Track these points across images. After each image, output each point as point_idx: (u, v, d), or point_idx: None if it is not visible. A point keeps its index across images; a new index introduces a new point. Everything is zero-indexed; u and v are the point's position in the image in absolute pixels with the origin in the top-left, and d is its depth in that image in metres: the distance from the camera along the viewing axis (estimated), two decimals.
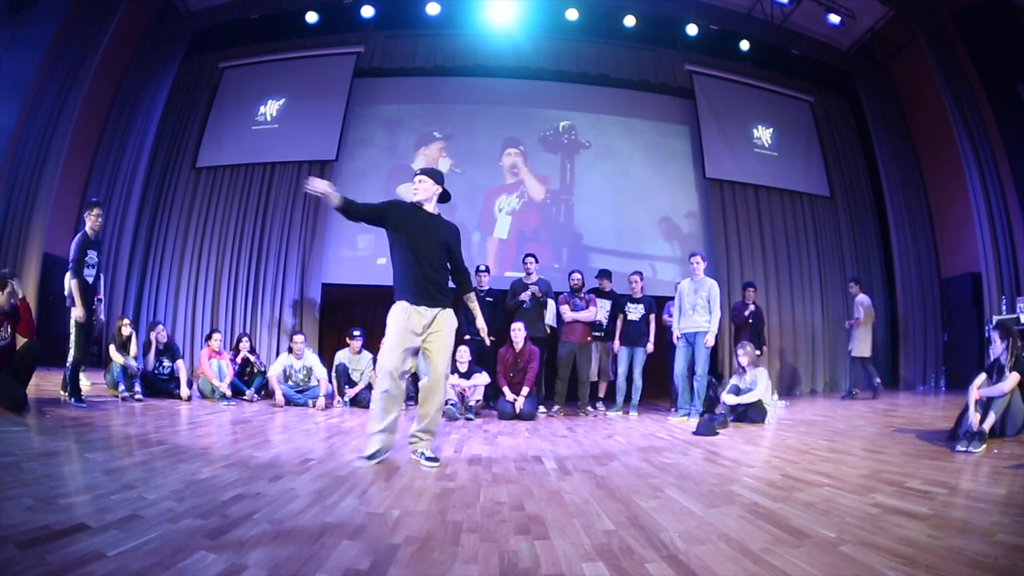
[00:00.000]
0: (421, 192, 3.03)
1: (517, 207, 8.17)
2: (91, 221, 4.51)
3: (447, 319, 2.99)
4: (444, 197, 3.11)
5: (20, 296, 4.04)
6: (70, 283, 4.35)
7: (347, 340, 5.91)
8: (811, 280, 8.65)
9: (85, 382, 4.68)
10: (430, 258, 2.96)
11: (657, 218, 8.45)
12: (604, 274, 6.26)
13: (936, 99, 7.99)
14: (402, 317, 2.90)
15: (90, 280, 4.50)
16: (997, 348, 3.67)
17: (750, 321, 6.52)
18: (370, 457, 2.78)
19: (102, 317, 5.69)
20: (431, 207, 3.06)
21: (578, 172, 8.42)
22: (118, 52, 7.83)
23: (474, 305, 3.22)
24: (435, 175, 3.08)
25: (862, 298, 7.06)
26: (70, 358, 4.35)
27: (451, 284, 3.14)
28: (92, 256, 4.54)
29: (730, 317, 6.92)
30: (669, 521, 1.90)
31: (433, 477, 2.57)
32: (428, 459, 2.85)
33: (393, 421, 2.86)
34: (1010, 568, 1.48)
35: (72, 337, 4.37)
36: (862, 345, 6.94)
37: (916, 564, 1.49)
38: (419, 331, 2.91)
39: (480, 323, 3.24)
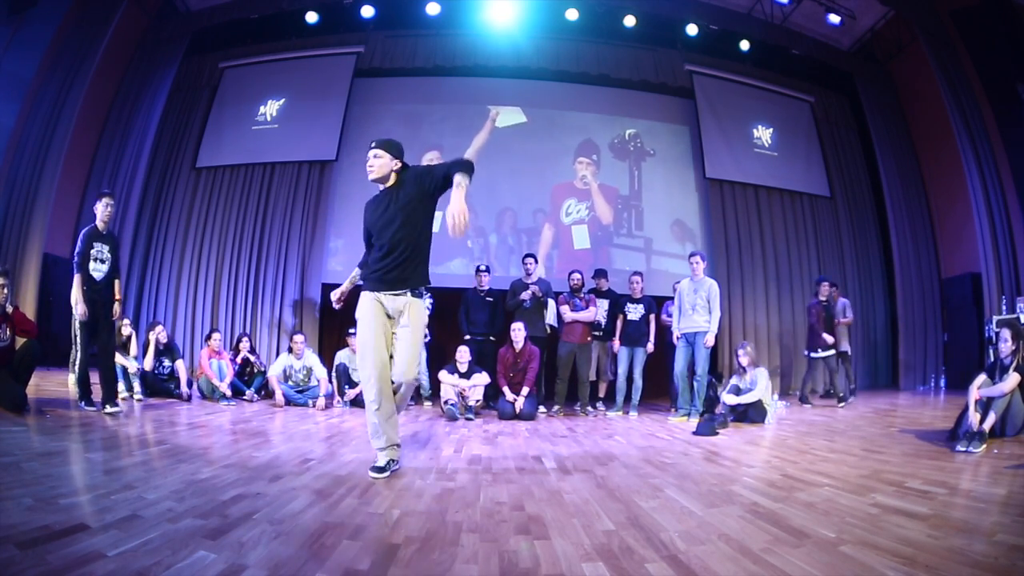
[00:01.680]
0: (377, 169, 2.59)
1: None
2: (100, 212, 4.21)
3: (416, 311, 2.60)
4: (404, 169, 2.67)
5: (12, 308, 3.93)
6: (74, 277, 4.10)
7: (346, 340, 5.92)
8: (811, 280, 8.64)
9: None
10: (393, 234, 2.56)
11: (657, 218, 8.45)
12: (600, 273, 6.24)
13: (936, 99, 7.99)
14: (370, 308, 2.59)
15: (98, 276, 4.17)
16: (1005, 349, 3.64)
17: (827, 315, 6.45)
18: (382, 469, 2.51)
19: (119, 321, 5.16)
20: (392, 183, 2.64)
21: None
22: (118, 52, 7.84)
23: (457, 185, 2.40)
24: (392, 147, 2.62)
25: (845, 299, 7.19)
26: (76, 364, 4.16)
27: (419, 272, 2.66)
28: (101, 250, 4.20)
29: (807, 315, 6.76)
30: (669, 521, 1.90)
31: (433, 477, 2.56)
32: (373, 468, 2.51)
33: (395, 427, 2.61)
34: (1010, 568, 1.48)
35: (77, 337, 4.17)
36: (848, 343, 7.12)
37: (916, 564, 1.49)
38: (389, 318, 2.61)
39: (478, 141, 2.77)
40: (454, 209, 2.27)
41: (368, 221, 2.70)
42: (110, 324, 4.31)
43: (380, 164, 2.59)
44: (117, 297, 4.35)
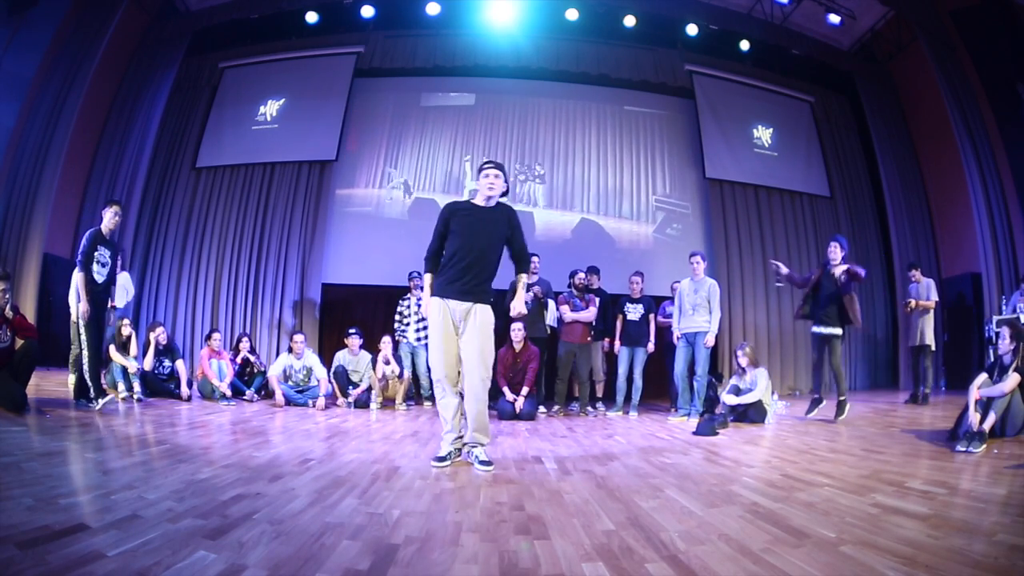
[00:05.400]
0: (498, 187, 2.91)
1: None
2: (107, 219, 4.28)
3: (481, 315, 2.84)
4: (505, 192, 3.04)
5: (14, 316, 3.91)
6: (76, 277, 4.13)
7: (344, 340, 5.90)
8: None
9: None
10: (485, 252, 2.87)
11: (656, 218, 8.45)
12: (593, 270, 6.19)
13: (936, 99, 7.99)
14: (439, 316, 2.84)
15: (100, 279, 4.26)
16: (1004, 347, 3.65)
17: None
18: (441, 459, 2.78)
19: (118, 321, 5.41)
20: (493, 205, 2.96)
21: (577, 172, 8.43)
22: (118, 52, 7.84)
23: (521, 287, 3.01)
24: (504, 169, 2.98)
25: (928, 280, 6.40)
26: (85, 361, 4.09)
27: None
28: (104, 254, 4.28)
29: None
30: (669, 521, 1.90)
31: (433, 477, 2.56)
32: (481, 463, 2.76)
33: (457, 423, 2.87)
34: (1010, 568, 1.48)
35: (83, 337, 4.11)
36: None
37: (916, 564, 1.49)
38: (454, 327, 2.85)
39: (515, 302, 2.97)
40: (519, 307, 2.95)
41: (457, 226, 2.89)
42: (103, 327, 4.45)
43: (500, 183, 2.92)
44: (112, 303, 4.55)
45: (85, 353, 4.15)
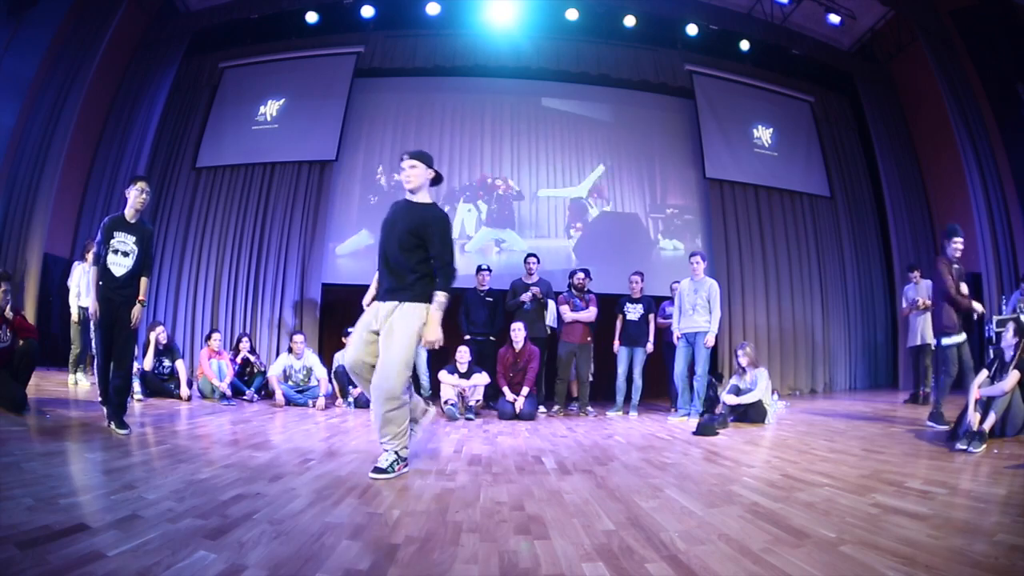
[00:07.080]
0: (414, 179, 2.70)
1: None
2: (131, 199, 3.67)
3: (402, 315, 2.59)
4: (436, 180, 2.81)
5: (14, 316, 3.81)
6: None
7: (342, 340, 5.90)
8: (811, 280, 8.65)
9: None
10: (391, 250, 2.67)
11: (656, 218, 8.45)
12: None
13: (936, 99, 7.99)
14: (367, 313, 2.75)
15: (118, 271, 3.54)
16: (1007, 340, 3.66)
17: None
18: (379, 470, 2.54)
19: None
20: (424, 196, 2.75)
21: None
22: (118, 52, 7.82)
23: (434, 308, 2.62)
24: (426, 158, 2.75)
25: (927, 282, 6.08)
26: (96, 365, 3.71)
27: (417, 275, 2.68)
28: (124, 241, 3.59)
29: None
30: (669, 521, 1.90)
31: (433, 477, 2.56)
32: (375, 468, 2.53)
33: (409, 413, 2.70)
34: (1010, 568, 1.48)
35: (93, 339, 3.71)
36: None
37: (916, 564, 1.49)
38: (374, 325, 2.65)
39: (426, 329, 2.61)
40: (430, 338, 2.61)
41: (383, 227, 2.80)
42: (127, 331, 3.55)
43: (417, 173, 2.71)
44: (140, 297, 3.64)
45: (98, 360, 3.66)
